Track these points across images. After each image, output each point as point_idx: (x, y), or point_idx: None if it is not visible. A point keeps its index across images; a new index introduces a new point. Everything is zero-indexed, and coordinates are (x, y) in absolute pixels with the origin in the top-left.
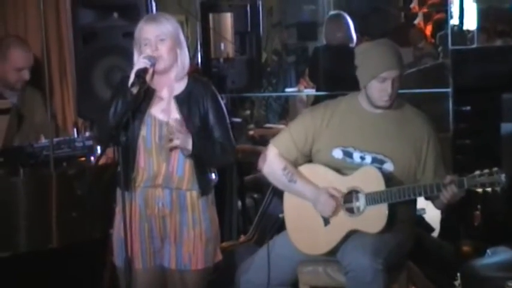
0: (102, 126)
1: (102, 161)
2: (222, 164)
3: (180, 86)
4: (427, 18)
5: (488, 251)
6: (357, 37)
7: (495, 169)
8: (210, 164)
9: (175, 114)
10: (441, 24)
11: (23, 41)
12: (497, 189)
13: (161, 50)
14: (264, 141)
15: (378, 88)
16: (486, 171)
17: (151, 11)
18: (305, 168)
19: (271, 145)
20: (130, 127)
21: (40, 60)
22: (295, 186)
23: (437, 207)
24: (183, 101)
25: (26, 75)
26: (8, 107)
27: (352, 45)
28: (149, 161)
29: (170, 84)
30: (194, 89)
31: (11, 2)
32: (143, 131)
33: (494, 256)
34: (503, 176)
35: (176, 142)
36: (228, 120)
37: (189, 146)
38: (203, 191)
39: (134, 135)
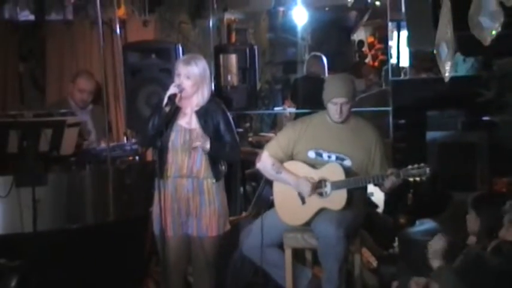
0: (144, 135)
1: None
2: (231, 159)
3: (199, 104)
4: (374, 58)
5: (417, 222)
6: (328, 72)
7: (422, 164)
8: (222, 158)
9: (195, 124)
10: (384, 62)
11: (89, 73)
12: (424, 178)
13: (185, 84)
14: (259, 145)
15: (332, 109)
16: (416, 165)
17: (179, 53)
18: (289, 165)
19: (264, 149)
20: (164, 135)
21: (101, 87)
22: (281, 176)
23: (382, 191)
24: (201, 115)
25: (85, 95)
26: (77, 121)
27: (325, 77)
28: (176, 158)
29: (192, 105)
30: (209, 106)
31: (81, 54)
32: (172, 136)
33: (422, 226)
34: (427, 169)
35: (197, 143)
36: (234, 129)
37: (208, 146)
38: (216, 178)
39: (166, 140)
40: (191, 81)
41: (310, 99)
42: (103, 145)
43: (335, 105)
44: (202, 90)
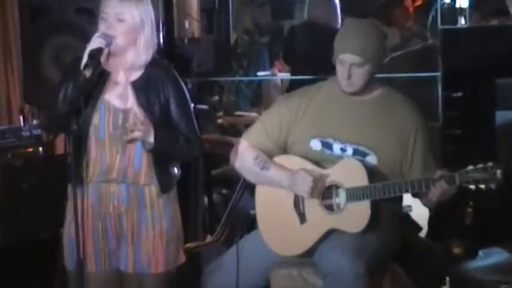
0: (50, 113)
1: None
2: (187, 158)
3: (138, 70)
4: None
5: (480, 252)
6: (342, 17)
7: (490, 164)
8: (173, 159)
9: (132, 102)
10: (431, 2)
11: None
12: (492, 186)
13: (116, 30)
14: (234, 131)
15: (338, 70)
16: (480, 166)
17: None
18: (280, 160)
19: (242, 139)
20: (82, 115)
21: None
22: (269, 173)
23: (425, 204)
24: (140, 87)
25: None
26: None
27: (337, 25)
28: (101, 153)
29: (127, 67)
30: (153, 73)
31: None
32: (95, 119)
33: (487, 258)
34: (499, 172)
35: (137, 134)
36: (192, 109)
37: (151, 139)
38: (163, 188)
39: (85, 124)
40: (126, 27)
41: (314, 59)
42: None
43: (342, 65)
44: (142, 43)
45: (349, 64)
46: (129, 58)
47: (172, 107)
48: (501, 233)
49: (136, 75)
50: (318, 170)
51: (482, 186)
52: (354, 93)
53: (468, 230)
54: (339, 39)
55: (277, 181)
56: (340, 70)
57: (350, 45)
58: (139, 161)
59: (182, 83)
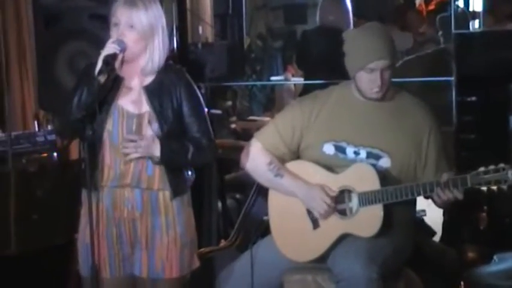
0: (64, 119)
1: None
2: (200, 164)
3: (151, 76)
4: None
5: (495, 257)
6: (353, 21)
7: (501, 165)
8: (185, 166)
9: (146, 107)
10: (444, 6)
11: None
12: (504, 187)
13: (127, 37)
14: (247, 136)
15: (367, 79)
16: (492, 167)
17: None
18: (292, 166)
19: (254, 139)
20: (96, 120)
21: None
22: (282, 181)
23: (439, 206)
24: (153, 92)
25: None
26: None
27: (348, 29)
28: (115, 158)
29: (140, 73)
30: (166, 77)
31: None
32: (109, 125)
33: (502, 263)
34: (510, 173)
35: (135, 155)
36: (205, 113)
37: (157, 153)
38: (176, 192)
39: (99, 129)
40: (136, 33)
41: (327, 64)
42: (0, 134)
43: (372, 72)
44: (153, 49)
45: (380, 70)
46: (142, 64)
47: (185, 109)
48: None
49: (149, 80)
50: (332, 177)
51: (494, 187)
52: (376, 98)
53: (483, 234)
54: (359, 50)
55: (291, 191)
56: (371, 78)
57: (377, 52)
58: (153, 166)
59: (195, 86)
